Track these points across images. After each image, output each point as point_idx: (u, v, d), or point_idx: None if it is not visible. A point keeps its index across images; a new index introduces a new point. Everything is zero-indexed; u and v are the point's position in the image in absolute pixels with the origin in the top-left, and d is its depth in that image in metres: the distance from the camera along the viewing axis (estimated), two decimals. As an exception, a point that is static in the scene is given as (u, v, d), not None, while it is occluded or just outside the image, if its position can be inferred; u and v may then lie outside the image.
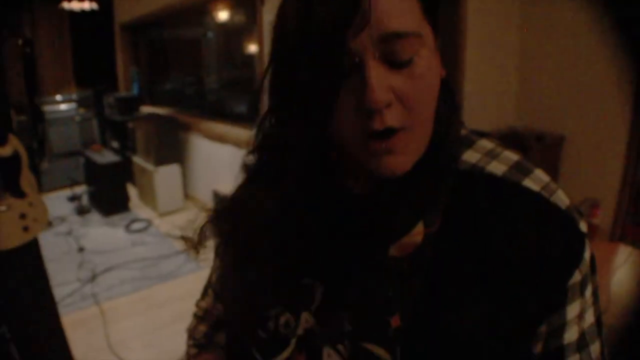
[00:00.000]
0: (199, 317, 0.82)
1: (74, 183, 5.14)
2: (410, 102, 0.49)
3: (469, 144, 0.59)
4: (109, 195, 4.79)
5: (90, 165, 5.04)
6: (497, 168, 0.56)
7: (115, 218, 4.67)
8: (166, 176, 4.73)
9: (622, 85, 3.53)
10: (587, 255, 0.54)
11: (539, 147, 3.73)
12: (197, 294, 0.85)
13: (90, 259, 3.71)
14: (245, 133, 0.54)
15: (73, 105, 5.93)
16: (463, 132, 0.61)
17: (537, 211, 0.54)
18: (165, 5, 5.00)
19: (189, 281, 3.39)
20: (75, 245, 3.96)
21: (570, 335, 0.54)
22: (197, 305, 0.84)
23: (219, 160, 4.32)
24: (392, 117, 0.48)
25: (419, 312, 0.53)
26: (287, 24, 0.50)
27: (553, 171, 4.01)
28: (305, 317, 0.59)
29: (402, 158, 0.51)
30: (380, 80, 0.47)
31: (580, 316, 0.55)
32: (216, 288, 0.78)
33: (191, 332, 0.82)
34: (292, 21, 0.49)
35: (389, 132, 0.49)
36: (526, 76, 4.29)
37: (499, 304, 0.52)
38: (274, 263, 0.58)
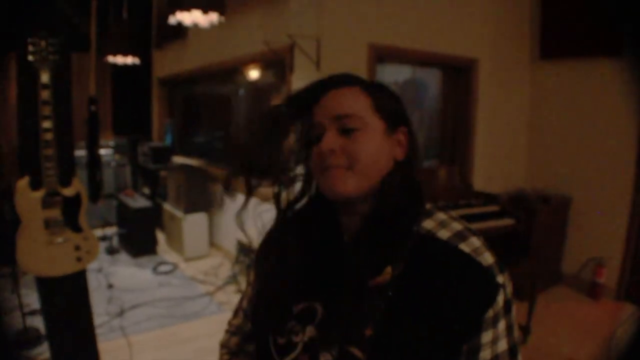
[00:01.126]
0: (231, 332, 1.10)
1: (106, 224, 5.44)
2: (348, 153, 0.82)
3: (429, 215, 0.87)
4: (138, 238, 5.07)
5: (122, 208, 5.35)
6: (443, 234, 0.83)
7: (143, 260, 4.93)
8: (194, 224, 5.02)
9: (626, 148, 3.73)
10: (500, 299, 0.79)
11: (544, 208, 3.90)
12: (218, 333, 1.12)
13: (119, 296, 3.95)
14: (268, 188, 0.78)
15: (110, 151, 6.33)
16: (428, 206, 0.89)
17: (466, 266, 0.80)
18: (200, 65, 5.40)
19: (211, 321, 3.60)
20: (105, 282, 4.21)
21: (485, 354, 0.80)
22: (229, 323, 1.12)
23: (244, 212, 4.55)
24: (334, 158, 0.83)
25: (384, 326, 0.80)
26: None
27: (560, 231, 4.18)
28: (309, 329, 0.85)
29: (341, 183, 0.83)
30: (330, 138, 0.83)
31: (494, 342, 0.80)
32: (247, 309, 1.05)
33: (224, 344, 1.09)
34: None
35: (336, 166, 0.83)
36: (535, 140, 4.48)
37: (436, 327, 0.78)
38: (289, 289, 0.88)
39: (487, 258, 0.81)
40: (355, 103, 0.85)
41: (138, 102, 6.83)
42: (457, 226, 0.85)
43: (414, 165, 0.90)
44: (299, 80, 3.54)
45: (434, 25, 3.76)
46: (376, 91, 0.88)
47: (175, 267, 4.75)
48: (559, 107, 4.26)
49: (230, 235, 4.84)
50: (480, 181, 4.13)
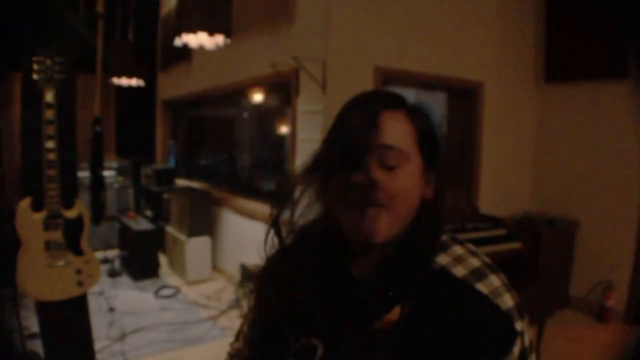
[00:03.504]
0: (232, 355, 1.05)
1: (107, 246, 5.39)
2: (390, 192, 0.74)
3: (444, 248, 0.80)
4: (140, 260, 5.01)
5: (124, 230, 5.30)
6: (459, 271, 0.76)
7: (145, 283, 4.86)
8: (197, 247, 4.96)
9: (633, 170, 3.71)
10: (516, 349, 0.72)
11: (551, 231, 3.86)
12: (221, 358, 1.08)
13: (120, 319, 3.88)
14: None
15: (112, 173, 6.31)
16: (444, 238, 0.81)
17: (482, 310, 0.73)
18: (205, 88, 5.42)
19: (214, 347, 3.53)
20: (106, 305, 4.15)
21: None
22: (231, 345, 1.06)
23: (247, 235, 4.54)
24: (375, 194, 0.73)
25: None
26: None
27: (567, 254, 4.13)
28: None
29: (376, 225, 0.74)
30: (375, 167, 0.74)
31: None
32: (247, 334, 1.00)
33: None
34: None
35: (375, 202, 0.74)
36: (541, 163, 4.47)
37: None
38: (289, 322, 0.81)
39: (507, 301, 0.75)
40: (402, 134, 0.77)
41: (142, 124, 6.84)
42: (475, 262, 0.78)
43: (442, 205, 0.83)
44: (305, 103, 3.54)
45: (439, 48, 3.77)
46: (422, 121, 0.80)
47: (177, 290, 4.68)
48: (565, 130, 4.25)
49: (233, 258, 4.78)
50: (487, 204, 4.09)
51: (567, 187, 4.24)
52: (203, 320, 4.01)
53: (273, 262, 0.90)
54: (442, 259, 0.79)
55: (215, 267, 5.18)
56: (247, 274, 4.33)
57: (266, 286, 0.89)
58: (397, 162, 0.75)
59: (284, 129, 4.63)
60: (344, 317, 0.77)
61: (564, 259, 4.12)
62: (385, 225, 0.74)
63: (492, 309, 0.73)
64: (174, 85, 6.38)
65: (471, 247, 0.83)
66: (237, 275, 4.60)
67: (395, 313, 0.76)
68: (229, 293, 4.56)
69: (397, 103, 0.80)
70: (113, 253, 5.35)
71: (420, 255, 0.78)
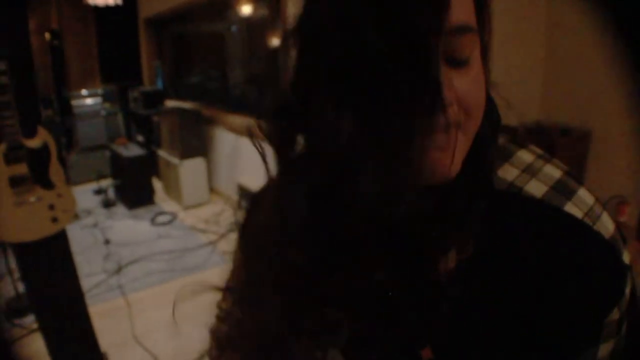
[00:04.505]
0: (222, 319, 0.81)
1: (100, 176, 5.21)
2: (465, 103, 0.45)
3: (506, 156, 0.55)
4: (134, 188, 4.85)
5: (116, 159, 5.11)
6: (536, 189, 0.52)
7: (141, 211, 4.73)
8: (191, 169, 4.78)
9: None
10: (627, 290, 0.51)
11: (564, 142, 3.68)
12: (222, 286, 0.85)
13: (116, 251, 3.77)
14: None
15: (98, 99, 6.02)
16: (501, 140, 0.56)
17: (579, 242, 0.50)
18: (189, 0, 5.04)
19: (214, 274, 3.40)
20: (102, 237, 4.02)
21: None
22: (218, 305, 0.82)
23: (243, 154, 4.34)
24: (454, 114, 0.44)
25: (451, 345, 0.52)
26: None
27: (579, 167, 3.95)
28: (332, 354, 0.55)
29: (448, 157, 0.45)
30: (448, 79, 0.43)
31: (612, 355, 0.52)
32: (238, 293, 0.72)
33: (213, 333, 0.81)
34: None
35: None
36: (552, 70, 4.24)
37: (530, 339, 0.50)
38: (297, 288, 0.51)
39: (608, 224, 0.52)
40: (468, 7, 0.45)
41: (125, 46, 6.50)
42: (555, 172, 0.54)
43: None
44: (296, 6, 3.21)
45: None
46: None
47: (174, 216, 4.55)
48: (578, 34, 3.96)
49: (230, 179, 4.60)
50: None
51: (579, 96, 4.01)
52: (202, 245, 3.89)
53: (270, 197, 0.58)
54: (507, 172, 0.54)
55: (212, 189, 5.03)
56: (245, 194, 4.16)
57: (262, 232, 0.57)
58: (470, 51, 0.45)
59: (276, 41, 4.31)
60: (378, 277, 0.49)
61: (577, 171, 3.95)
62: (461, 152, 0.47)
63: (593, 239, 0.50)
64: (155, 1, 5.95)
65: (537, 149, 0.57)
66: (235, 196, 4.45)
67: (450, 260, 0.53)
68: (228, 215, 4.43)
69: None
70: (106, 183, 5.18)
71: (481, 167, 0.52)
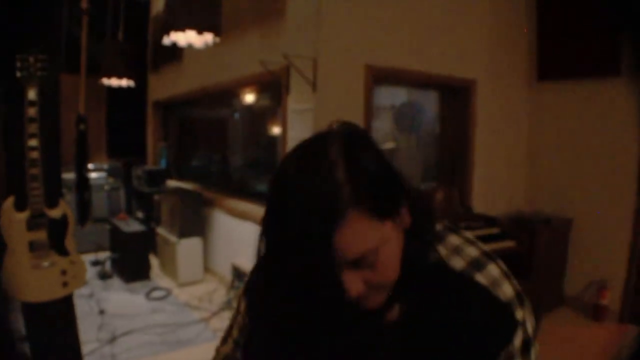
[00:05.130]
0: (223, 339, 1.01)
1: (98, 248, 5.33)
2: (377, 283, 0.68)
3: (440, 240, 0.77)
4: (131, 262, 4.94)
5: (115, 232, 5.24)
6: (458, 263, 0.74)
7: (137, 285, 4.80)
8: (188, 248, 4.91)
9: (627, 168, 3.70)
10: (517, 340, 0.71)
11: (546, 230, 3.85)
12: None
13: (111, 322, 3.83)
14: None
15: (103, 174, 6.25)
16: (439, 227, 0.79)
17: (482, 302, 0.71)
18: (196, 88, 5.38)
19: (205, 349, 3.48)
20: (97, 307, 4.09)
21: None
22: (217, 350, 1.02)
23: (239, 236, 4.50)
24: (370, 302, 0.70)
25: None
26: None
27: (561, 253, 4.11)
28: None
29: (375, 304, 0.71)
30: (352, 281, 0.66)
31: None
32: (238, 339, 0.96)
33: (217, 351, 1.00)
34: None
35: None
36: (535, 161, 4.46)
37: None
38: (286, 331, 0.78)
39: (507, 290, 0.73)
40: (363, 237, 0.64)
41: (133, 125, 6.80)
42: (473, 252, 0.76)
43: (425, 226, 0.77)
44: (295, 101, 3.50)
45: (431, 46, 3.74)
46: (370, 189, 0.64)
47: (168, 292, 4.63)
48: (558, 128, 4.24)
49: (225, 259, 4.73)
50: (480, 204, 4.06)
51: (561, 186, 4.23)
52: (195, 322, 3.96)
53: (263, 267, 0.84)
54: (440, 251, 0.77)
55: (206, 269, 5.13)
56: (238, 274, 4.28)
57: (258, 291, 0.87)
58: (372, 261, 0.67)
59: (275, 129, 4.59)
60: (344, 320, 0.75)
61: (558, 258, 4.10)
62: (383, 299, 0.72)
63: (491, 300, 0.71)
64: (164, 86, 6.33)
65: (466, 234, 0.80)
66: (228, 276, 4.55)
67: (394, 311, 0.74)
68: (221, 294, 4.51)
69: (338, 206, 0.62)
70: (104, 255, 5.29)
71: (412, 268, 0.74)
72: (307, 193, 0.63)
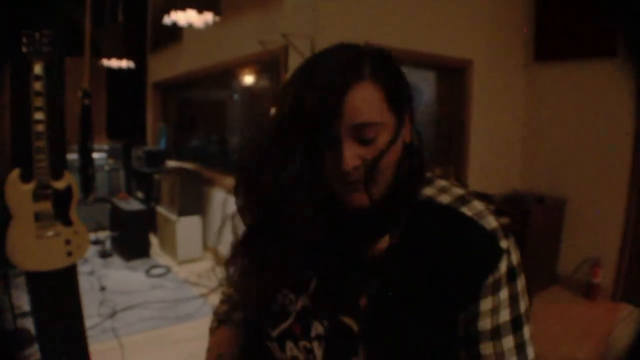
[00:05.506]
0: (222, 300, 1.07)
1: (98, 227, 5.40)
2: (370, 164, 0.74)
3: (430, 182, 0.84)
4: (131, 241, 5.02)
5: (115, 211, 5.30)
6: (444, 199, 0.80)
7: (136, 263, 4.88)
8: (187, 226, 4.98)
9: (622, 148, 3.74)
10: (502, 265, 0.76)
11: (540, 209, 3.90)
12: None
13: (111, 298, 3.90)
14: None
15: (103, 155, 6.30)
16: (428, 174, 0.85)
17: (466, 230, 0.76)
18: (195, 68, 5.40)
19: (204, 323, 3.55)
20: (97, 284, 4.16)
21: (484, 324, 0.77)
22: (222, 292, 1.08)
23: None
24: (356, 175, 0.74)
25: (379, 296, 0.78)
26: (286, 108, 0.77)
27: (555, 232, 4.17)
28: (303, 298, 0.84)
29: (364, 198, 0.76)
30: (350, 153, 0.73)
31: (494, 311, 0.76)
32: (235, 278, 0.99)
33: (215, 311, 1.06)
34: (290, 107, 0.76)
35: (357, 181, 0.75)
36: (530, 141, 4.50)
37: (433, 295, 0.75)
38: (287, 260, 0.83)
39: (491, 222, 0.77)
40: (372, 107, 0.73)
41: (132, 106, 6.81)
42: (459, 191, 0.82)
43: (421, 142, 0.85)
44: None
45: (428, 26, 3.77)
46: (388, 81, 0.76)
47: (168, 269, 4.70)
48: (554, 108, 4.28)
49: (224, 237, 4.80)
50: (475, 183, 4.12)
51: (556, 165, 4.27)
52: (194, 297, 4.04)
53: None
54: (428, 191, 0.83)
55: (206, 246, 5.20)
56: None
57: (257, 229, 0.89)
58: (374, 135, 0.74)
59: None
60: (336, 249, 0.81)
61: (552, 236, 4.16)
62: (373, 194, 0.76)
63: (477, 228, 0.76)
64: (164, 67, 6.35)
65: (454, 181, 0.86)
66: (227, 253, 4.61)
67: (384, 242, 0.79)
68: (220, 271, 4.58)
69: (360, 71, 0.74)
70: (104, 234, 5.35)
71: (405, 190, 0.81)
72: (337, 56, 0.76)
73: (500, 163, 4.44)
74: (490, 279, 0.75)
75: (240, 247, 0.90)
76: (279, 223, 0.79)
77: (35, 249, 2.06)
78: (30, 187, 2.04)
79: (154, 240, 5.44)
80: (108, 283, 4.23)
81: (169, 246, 5.14)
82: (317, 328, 0.82)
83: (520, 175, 4.53)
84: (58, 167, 2.09)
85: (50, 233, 2.09)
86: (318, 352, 0.81)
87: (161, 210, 5.33)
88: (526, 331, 0.79)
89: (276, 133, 0.78)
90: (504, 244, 0.76)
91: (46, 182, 2.05)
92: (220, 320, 1.02)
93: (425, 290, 0.75)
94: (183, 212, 4.95)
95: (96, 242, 5.13)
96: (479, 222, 0.76)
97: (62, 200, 2.11)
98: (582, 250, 4.05)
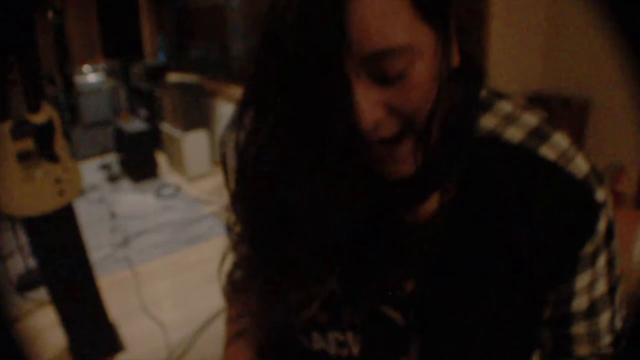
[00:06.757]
0: (238, 265, 0.83)
1: (105, 152, 5.27)
2: (405, 113, 0.47)
3: (487, 107, 0.58)
4: (138, 162, 4.90)
5: (120, 134, 5.14)
6: (514, 135, 0.56)
7: (146, 184, 4.79)
8: (194, 142, 4.82)
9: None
10: (601, 226, 0.55)
11: (564, 111, 3.69)
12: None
13: (123, 225, 3.84)
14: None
15: (101, 75, 6.04)
16: (484, 93, 0.59)
17: (552, 182, 0.54)
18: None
19: (218, 244, 3.49)
20: (108, 212, 4.09)
21: (579, 304, 0.57)
22: (235, 250, 0.85)
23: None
24: (386, 130, 0.47)
25: (431, 277, 0.56)
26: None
27: (579, 136, 3.96)
28: (330, 280, 0.59)
29: (405, 166, 0.50)
30: (367, 100, 0.45)
31: (591, 286, 0.57)
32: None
33: (230, 277, 0.82)
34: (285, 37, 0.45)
35: (390, 140, 0.48)
36: (553, 40, 4.21)
37: (509, 272, 0.54)
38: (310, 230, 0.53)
39: (581, 165, 0.55)
40: (394, 21, 0.43)
41: (127, 20, 6.45)
42: (532, 120, 0.57)
43: (477, 67, 0.58)
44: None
45: None
46: None
47: (178, 189, 4.61)
48: (578, 6, 3.94)
49: (233, 149, 4.65)
50: (496, 83, 3.87)
51: (580, 66, 4.00)
52: (206, 217, 3.96)
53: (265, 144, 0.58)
54: (488, 121, 0.57)
55: (214, 161, 5.07)
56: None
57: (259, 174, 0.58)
58: (400, 68, 0.45)
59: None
60: (369, 216, 0.53)
61: (577, 139, 3.95)
62: (408, 155, 0.49)
63: (565, 180, 0.54)
64: (155, -27, 5.92)
65: (519, 99, 0.61)
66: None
67: (434, 202, 0.56)
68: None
69: None
70: (111, 158, 5.23)
71: (460, 129, 0.54)
72: None
73: (522, 62, 4.17)
74: (589, 248, 0.55)
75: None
76: (299, 219, 0.50)
77: (24, 192, 1.90)
78: (7, 126, 1.85)
79: (162, 159, 5.31)
80: (118, 209, 4.16)
81: (178, 164, 5.02)
82: (351, 317, 0.61)
83: (543, 76, 4.26)
84: (34, 100, 1.88)
85: (37, 173, 1.92)
86: (354, 347, 0.62)
87: (166, 127, 5.16)
88: (618, 297, 0.60)
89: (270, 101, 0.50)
90: (600, 195, 0.55)
91: (23, 118, 1.86)
92: (237, 290, 0.82)
93: (497, 268, 0.55)
94: (188, 127, 4.79)
95: (104, 167, 5.03)
96: (566, 168, 0.55)
97: (44, 136, 1.92)
98: (607, 155, 3.85)
